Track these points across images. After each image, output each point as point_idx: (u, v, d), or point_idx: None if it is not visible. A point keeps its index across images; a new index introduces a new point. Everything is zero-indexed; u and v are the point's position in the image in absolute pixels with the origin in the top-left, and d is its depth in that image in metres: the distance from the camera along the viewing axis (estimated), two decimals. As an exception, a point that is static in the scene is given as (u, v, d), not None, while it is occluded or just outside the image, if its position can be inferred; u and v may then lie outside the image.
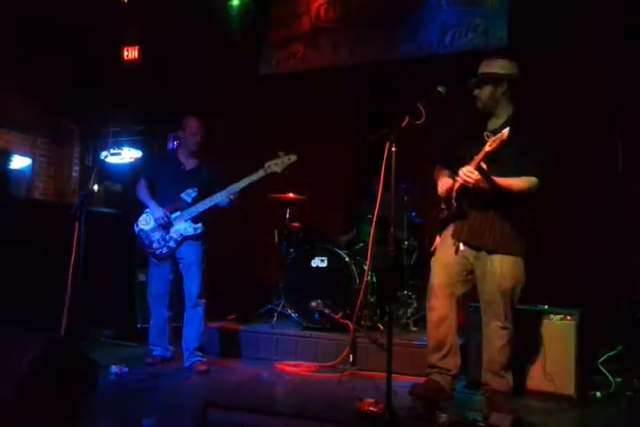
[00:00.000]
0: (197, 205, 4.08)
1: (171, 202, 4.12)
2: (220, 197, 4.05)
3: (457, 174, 3.11)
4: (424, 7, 5.54)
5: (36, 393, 1.97)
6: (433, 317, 3.22)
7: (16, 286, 4.32)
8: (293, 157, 4.03)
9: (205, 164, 4.27)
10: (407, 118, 2.94)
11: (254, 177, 4.03)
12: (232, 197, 4.05)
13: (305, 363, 4.24)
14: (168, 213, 4.08)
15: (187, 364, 4.06)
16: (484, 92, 3.17)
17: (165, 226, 4.07)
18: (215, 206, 4.11)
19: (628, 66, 4.39)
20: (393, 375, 2.84)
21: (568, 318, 3.48)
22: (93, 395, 2.24)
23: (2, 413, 1.85)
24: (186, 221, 4.09)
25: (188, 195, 4.11)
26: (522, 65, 3.22)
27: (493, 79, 3.14)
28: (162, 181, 4.22)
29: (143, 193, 4.21)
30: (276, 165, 4.01)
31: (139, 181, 4.27)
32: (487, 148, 2.81)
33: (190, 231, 4.08)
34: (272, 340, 4.54)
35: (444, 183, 3.21)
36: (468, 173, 2.93)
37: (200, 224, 4.10)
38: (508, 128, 2.74)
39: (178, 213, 4.10)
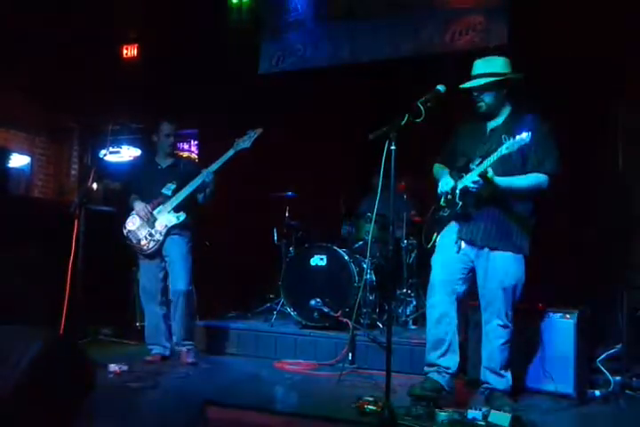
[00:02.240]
0: (177, 195, 4.16)
1: (153, 200, 4.19)
2: (197, 183, 4.12)
3: (460, 173, 3.11)
4: (425, 5, 5.53)
5: (36, 392, 1.96)
6: (433, 314, 3.21)
7: (15, 284, 4.32)
8: (259, 130, 4.19)
9: (183, 160, 4.35)
10: (407, 117, 2.94)
11: (225, 157, 4.16)
12: (207, 179, 4.11)
13: (304, 361, 4.24)
14: (149, 206, 4.16)
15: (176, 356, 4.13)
16: (490, 95, 3.14)
17: (148, 219, 4.13)
18: (195, 199, 4.17)
19: (629, 64, 4.39)
20: (392, 374, 2.84)
21: (567, 316, 3.48)
22: (92, 394, 2.24)
23: (1, 412, 1.84)
24: (169, 212, 4.15)
25: (168, 189, 4.19)
26: (522, 63, 3.22)
27: (498, 83, 3.12)
28: (143, 183, 4.32)
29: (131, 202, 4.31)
30: (243, 142, 4.16)
31: (129, 196, 4.36)
32: (505, 150, 2.80)
33: (174, 221, 4.13)
34: (271, 338, 4.54)
35: (445, 183, 3.21)
36: (476, 183, 2.95)
37: (182, 212, 4.15)
38: (528, 132, 2.72)
39: (160, 208, 4.17)
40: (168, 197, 4.17)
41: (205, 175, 4.10)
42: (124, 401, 3.27)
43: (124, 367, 3.81)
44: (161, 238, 4.12)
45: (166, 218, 4.14)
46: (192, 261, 4.20)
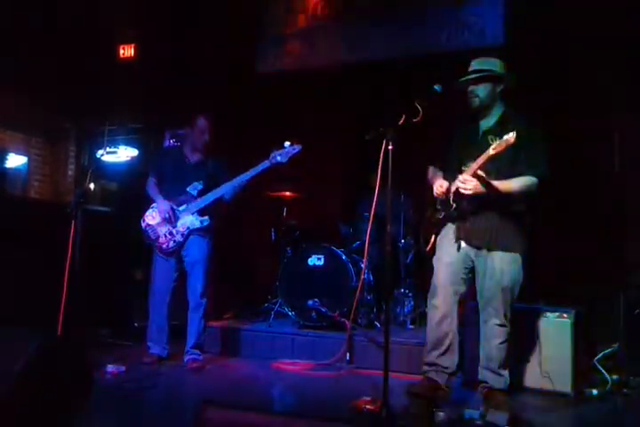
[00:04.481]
0: (203, 198, 4.07)
1: (177, 196, 4.11)
2: (226, 189, 4.04)
3: (453, 176, 3.12)
4: (420, 5, 5.54)
5: (34, 393, 1.96)
6: (435, 315, 3.21)
7: (12, 285, 4.31)
8: (298, 147, 4.02)
9: (211, 157, 4.25)
10: (404, 116, 2.94)
11: (259, 168, 4.02)
12: (238, 189, 4.04)
13: (302, 361, 4.24)
14: (174, 206, 4.07)
15: (184, 361, 4.07)
16: (483, 90, 3.16)
17: (170, 220, 4.05)
18: (220, 200, 4.10)
19: (627, 63, 4.39)
20: (390, 373, 2.84)
21: (564, 315, 3.49)
22: (91, 395, 2.23)
23: (1, 413, 1.84)
24: (192, 214, 4.06)
25: (194, 188, 4.10)
26: (518, 63, 3.23)
27: (494, 78, 3.14)
28: (168, 175, 4.21)
29: (152, 190, 4.20)
30: (280, 155, 4.00)
31: (148, 178, 4.26)
32: (492, 151, 2.80)
33: (197, 224, 4.06)
34: (269, 338, 4.54)
35: (440, 185, 3.20)
36: (465, 183, 2.95)
37: (207, 217, 4.08)
38: (514, 132, 2.73)
39: (184, 207, 4.08)
40: (193, 197, 4.07)
41: (236, 184, 4.01)
42: (122, 402, 3.26)
43: (122, 368, 3.80)
44: (181, 240, 4.04)
45: (189, 220, 4.05)
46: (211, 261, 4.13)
